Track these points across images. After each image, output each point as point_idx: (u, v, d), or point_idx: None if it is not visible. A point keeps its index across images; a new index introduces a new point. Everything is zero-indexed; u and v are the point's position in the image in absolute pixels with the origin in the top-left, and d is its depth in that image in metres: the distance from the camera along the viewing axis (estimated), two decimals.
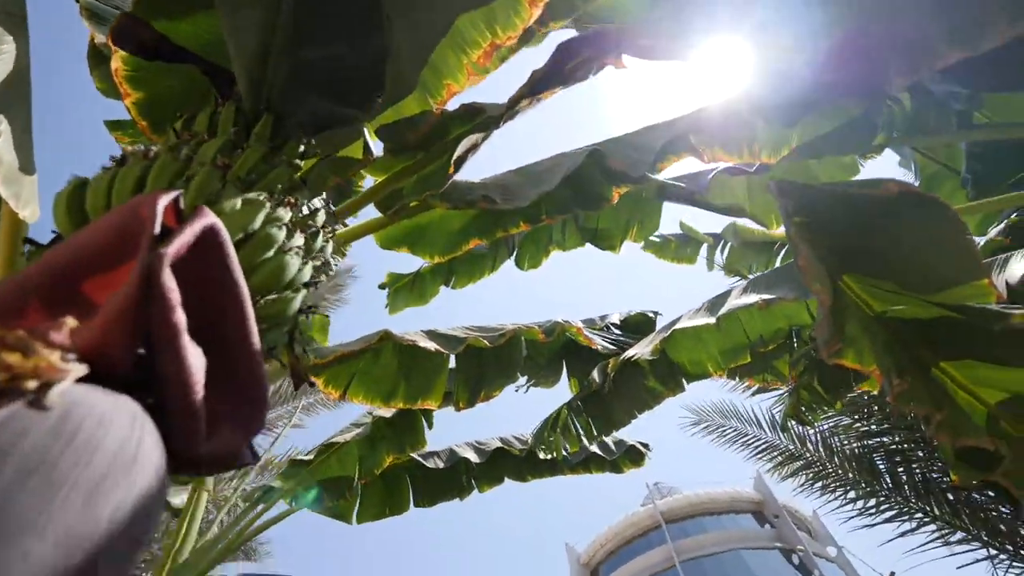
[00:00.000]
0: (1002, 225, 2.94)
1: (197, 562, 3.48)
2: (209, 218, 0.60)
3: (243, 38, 1.19)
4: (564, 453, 3.26)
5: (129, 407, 0.48)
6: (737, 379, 5.17)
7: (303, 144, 1.32)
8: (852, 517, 5.81)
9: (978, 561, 5.02)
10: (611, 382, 2.87)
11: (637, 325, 3.45)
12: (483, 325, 2.94)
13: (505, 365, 2.93)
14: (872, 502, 5.65)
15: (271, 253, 0.96)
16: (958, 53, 1.26)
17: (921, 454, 5.31)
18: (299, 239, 1.05)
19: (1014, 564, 4.84)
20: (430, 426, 3.54)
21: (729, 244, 4.15)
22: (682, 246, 4.30)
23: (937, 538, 5.25)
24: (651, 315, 3.50)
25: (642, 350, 2.73)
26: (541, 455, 3.25)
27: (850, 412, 5.63)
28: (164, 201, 0.58)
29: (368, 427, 3.57)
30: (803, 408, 2.93)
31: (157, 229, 0.55)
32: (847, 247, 1.50)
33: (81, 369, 0.45)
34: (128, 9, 1.35)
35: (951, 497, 5.09)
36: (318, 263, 1.15)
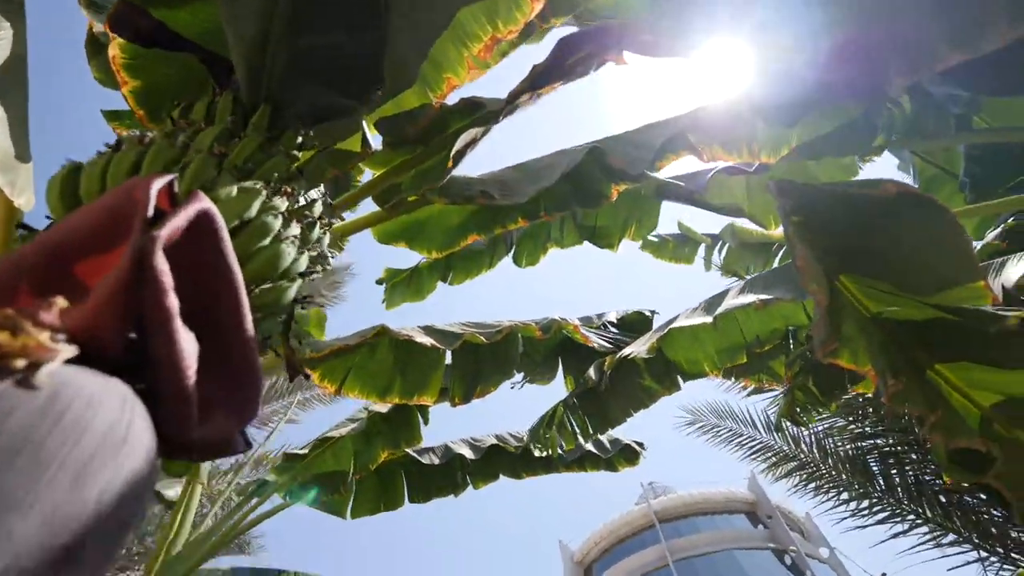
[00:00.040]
0: (999, 229, 2.95)
1: (190, 555, 3.47)
2: (204, 202, 0.60)
3: (242, 26, 1.19)
4: (559, 451, 3.26)
5: (120, 389, 0.48)
6: (733, 379, 5.18)
7: (301, 135, 1.31)
8: (845, 518, 5.84)
9: (969, 563, 5.05)
10: (607, 380, 2.87)
11: (634, 324, 3.45)
12: (480, 321, 2.94)
13: (501, 361, 2.92)
14: (865, 504, 5.68)
15: (267, 241, 0.96)
16: (958, 54, 1.26)
17: (914, 456, 5.33)
18: (295, 229, 1.05)
19: (1004, 567, 4.87)
20: (426, 422, 3.54)
21: (727, 245, 4.15)
22: (680, 246, 4.30)
23: (929, 540, 5.29)
24: (648, 314, 3.51)
25: (639, 348, 2.73)
26: (536, 452, 3.26)
27: (844, 414, 5.65)
28: (158, 184, 0.58)
29: (363, 422, 3.57)
30: (798, 409, 2.93)
31: (151, 212, 0.55)
32: (845, 247, 1.50)
33: (71, 350, 0.45)
34: None
35: (943, 499, 5.12)
36: (314, 254, 1.15)
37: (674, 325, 2.66)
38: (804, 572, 17.18)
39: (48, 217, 0.98)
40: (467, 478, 3.95)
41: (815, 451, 6.18)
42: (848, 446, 5.86)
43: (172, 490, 4.26)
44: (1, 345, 0.41)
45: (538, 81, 1.55)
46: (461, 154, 1.58)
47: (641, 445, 4.06)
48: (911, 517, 5.34)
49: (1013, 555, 4.82)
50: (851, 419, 5.71)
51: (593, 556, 21.04)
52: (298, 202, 1.14)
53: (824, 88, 1.66)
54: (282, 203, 1.01)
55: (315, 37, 1.21)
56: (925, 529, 5.28)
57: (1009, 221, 2.91)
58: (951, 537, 5.12)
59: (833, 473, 5.96)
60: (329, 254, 1.29)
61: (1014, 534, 4.83)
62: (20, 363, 0.41)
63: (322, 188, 1.37)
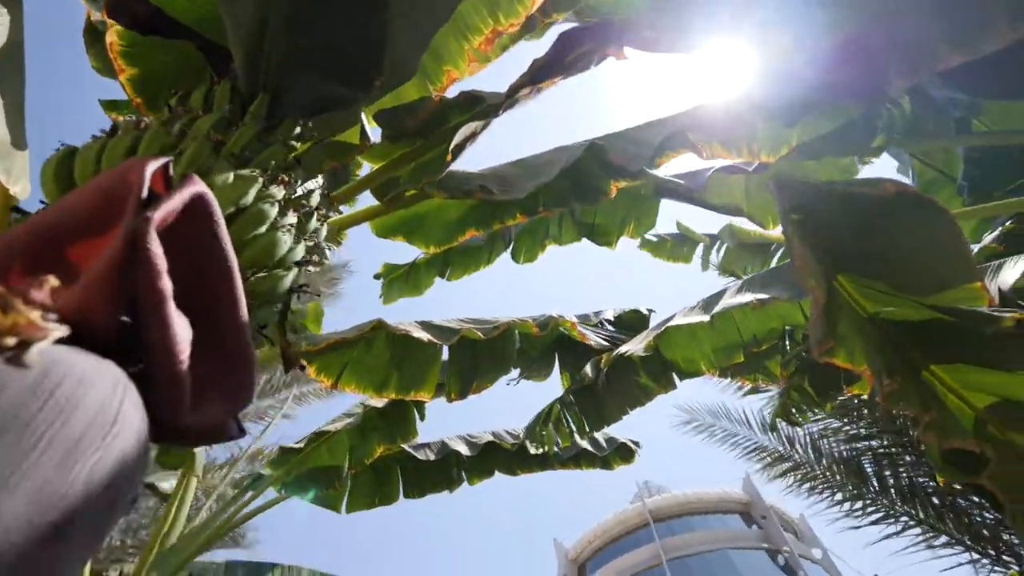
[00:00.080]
0: (996, 232, 2.96)
1: (185, 548, 3.46)
2: (199, 186, 0.59)
3: (240, 12, 1.18)
4: (555, 448, 3.26)
5: (112, 371, 0.47)
6: (729, 378, 5.19)
7: (299, 125, 1.31)
8: (838, 519, 5.87)
9: (961, 565, 5.08)
10: (604, 378, 2.88)
11: (631, 322, 3.45)
12: (477, 317, 2.94)
13: (498, 357, 2.92)
14: (858, 504, 5.70)
15: (263, 229, 0.95)
16: (958, 55, 1.26)
17: (908, 458, 5.36)
18: (292, 218, 1.04)
19: (996, 568, 4.90)
20: (422, 417, 3.54)
21: (725, 245, 4.16)
22: (678, 245, 4.30)
23: (921, 541, 5.31)
24: (645, 312, 3.50)
25: (635, 346, 2.73)
26: (532, 450, 3.26)
27: (839, 415, 5.67)
28: (153, 166, 0.57)
29: (359, 417, 3.57)
30: (793, 409, 2.94)
31: (145, 194, 0.54)
32: (843, 247, 1.50)
33: (62, 329, 0.44)
34: None
35: (936, 501, 5.14)
36: (311, 244, 1.14)
37: (671, 323, 2.66)
38: (797, 572, 17.26)
39: (42, 202, 0.97)
40: (462, 474, 3.95)
41: (810, 452, 6.20)
42: (842, 447, 5.88)
43: (167, 483, 4.26)
44: None
45: (538, 75, 1.55)
46: (460, 148, 1.57)
47: (636, 444, 4.07)
48: (904, 519, 5.36)
49: (1004, 557, 4.85)
50: (845, 420, 5.73)
51: (587, 554, 21.10)
52: (295, 191, 1.13)
53: (824, 88, 1.66)
54: (279, 192, 1.01)
55: (314, 26, 1.21)
56: (918, 531, 5.31)
57: (1007, 224, 2.92)
58: (944, 539, 5.15)
59: (827, 474, 5.98)
60: (326, 247, 1.28)
61: (1006, 537, 4.86)
62: (10, 341, 0.40)
63: (320, 179, 1.37)
